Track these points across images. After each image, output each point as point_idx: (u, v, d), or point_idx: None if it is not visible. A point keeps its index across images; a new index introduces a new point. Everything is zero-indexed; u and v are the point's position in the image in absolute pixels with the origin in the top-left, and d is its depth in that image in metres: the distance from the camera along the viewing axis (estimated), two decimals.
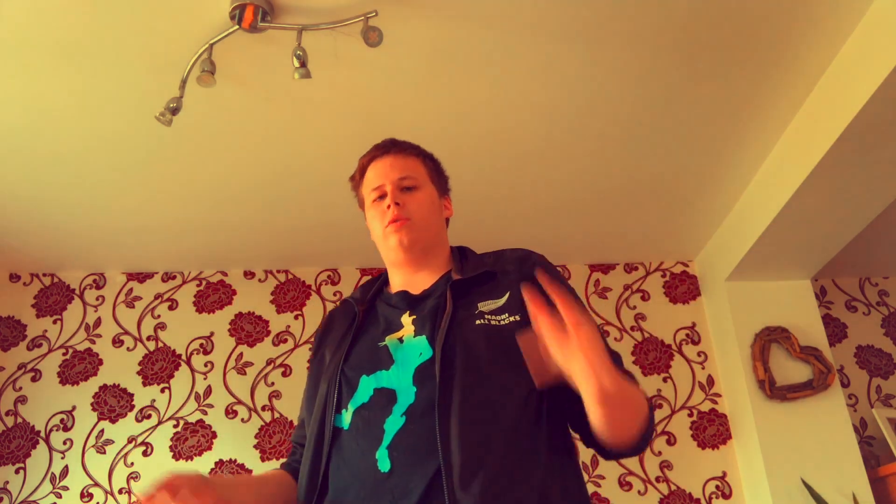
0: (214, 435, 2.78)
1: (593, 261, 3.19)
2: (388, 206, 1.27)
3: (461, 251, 1.36)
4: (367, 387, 1.14)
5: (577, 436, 1.15)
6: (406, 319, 1.21)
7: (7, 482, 2.65)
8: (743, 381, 2.76)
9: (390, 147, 1.36)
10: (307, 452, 1.16)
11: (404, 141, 1.40)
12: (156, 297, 3.02)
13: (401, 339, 1.19)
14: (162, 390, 2.85)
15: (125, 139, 2.27)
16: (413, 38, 1.96)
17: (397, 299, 1.27)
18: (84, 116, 2.17)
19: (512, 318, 1.15)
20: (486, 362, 1.11)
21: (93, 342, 2.91)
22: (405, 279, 1.30)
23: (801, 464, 2.59)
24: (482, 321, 1.15)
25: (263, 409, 2.83)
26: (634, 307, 3.12)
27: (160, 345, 2.93)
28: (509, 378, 1.10)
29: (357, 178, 1.39)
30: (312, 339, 1.36)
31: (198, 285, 3.05)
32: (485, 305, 1.18)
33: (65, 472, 2.69)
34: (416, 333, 1.17)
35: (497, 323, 1.15)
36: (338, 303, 1.32)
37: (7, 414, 2.76)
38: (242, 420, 2.82)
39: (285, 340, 2.97)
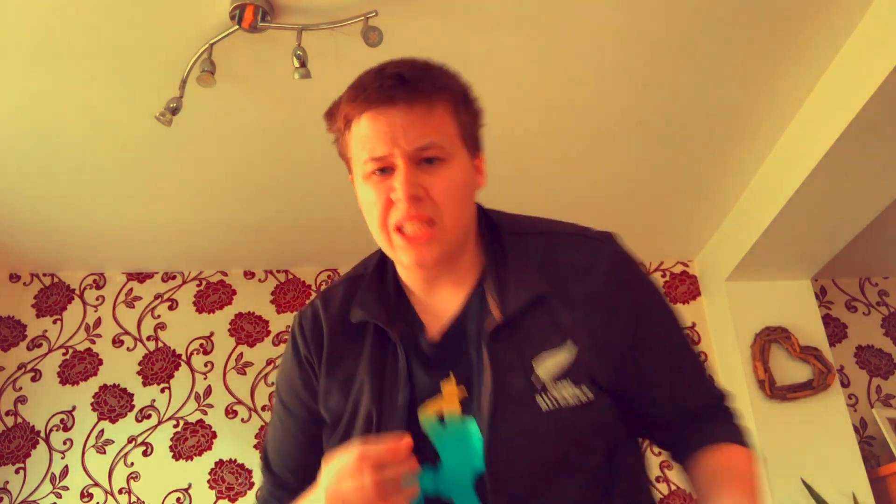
0: (214, 435, 2.78)
1: None
2: (400, 200, 0.84)
3: (493, 241, 0.94)
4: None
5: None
6: (449, 388, 0.86)
7: (7, 482, 2.65)
8: (743, 381, 2.76)
9: (399, 90, 0.84)
10: None
11: (422, 70, 0.88)
12: (156, 297, 3.01)
13: (441, 419, 0.85)
14: (162, 390, 2.84)
15: (125, 139, 2.27)
16: (413, 38, 1.95)
17: (428, 346, 0.90)
18: (84, 116, 2.17)
19: (585, 399, 0.83)
20: (560, 468, 0.83)
21: (93, 342, 2.91)
22: (422, 287, 0.95)
23: (801, 464, 2.58)
24: (548, 403, 0.82)
25: (263, 409, 2.83)
26: None
27: (160, 345, 2.93)
28: (583, 473, 0.85)
29: (341, 128, 0.91)
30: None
31: (198, 285, 3.05)
32: (542, 365, 0.83)
33: (65, 472, 2.69)
34: (465, 411, 0.85)
35: (567, 404, 0.82)
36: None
37: (7, 414, 2.76)
38: (242, 420, 2.82)
39: (285, 340, 2.95)
